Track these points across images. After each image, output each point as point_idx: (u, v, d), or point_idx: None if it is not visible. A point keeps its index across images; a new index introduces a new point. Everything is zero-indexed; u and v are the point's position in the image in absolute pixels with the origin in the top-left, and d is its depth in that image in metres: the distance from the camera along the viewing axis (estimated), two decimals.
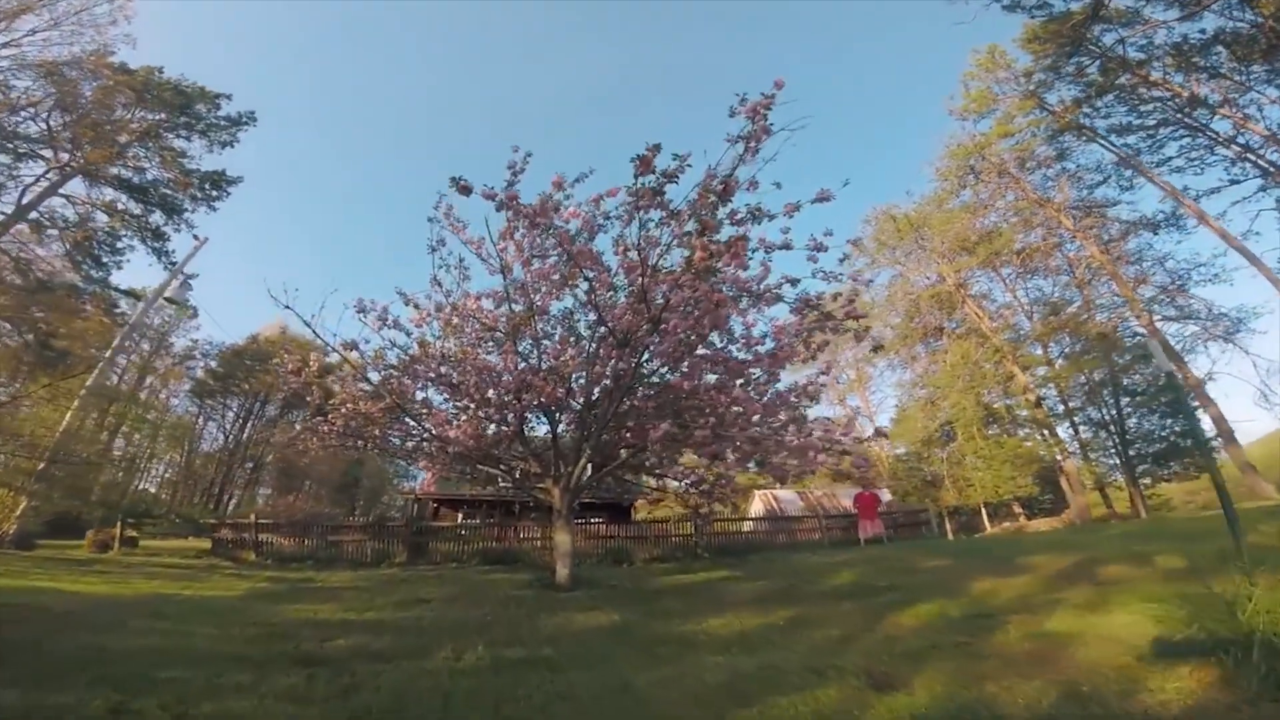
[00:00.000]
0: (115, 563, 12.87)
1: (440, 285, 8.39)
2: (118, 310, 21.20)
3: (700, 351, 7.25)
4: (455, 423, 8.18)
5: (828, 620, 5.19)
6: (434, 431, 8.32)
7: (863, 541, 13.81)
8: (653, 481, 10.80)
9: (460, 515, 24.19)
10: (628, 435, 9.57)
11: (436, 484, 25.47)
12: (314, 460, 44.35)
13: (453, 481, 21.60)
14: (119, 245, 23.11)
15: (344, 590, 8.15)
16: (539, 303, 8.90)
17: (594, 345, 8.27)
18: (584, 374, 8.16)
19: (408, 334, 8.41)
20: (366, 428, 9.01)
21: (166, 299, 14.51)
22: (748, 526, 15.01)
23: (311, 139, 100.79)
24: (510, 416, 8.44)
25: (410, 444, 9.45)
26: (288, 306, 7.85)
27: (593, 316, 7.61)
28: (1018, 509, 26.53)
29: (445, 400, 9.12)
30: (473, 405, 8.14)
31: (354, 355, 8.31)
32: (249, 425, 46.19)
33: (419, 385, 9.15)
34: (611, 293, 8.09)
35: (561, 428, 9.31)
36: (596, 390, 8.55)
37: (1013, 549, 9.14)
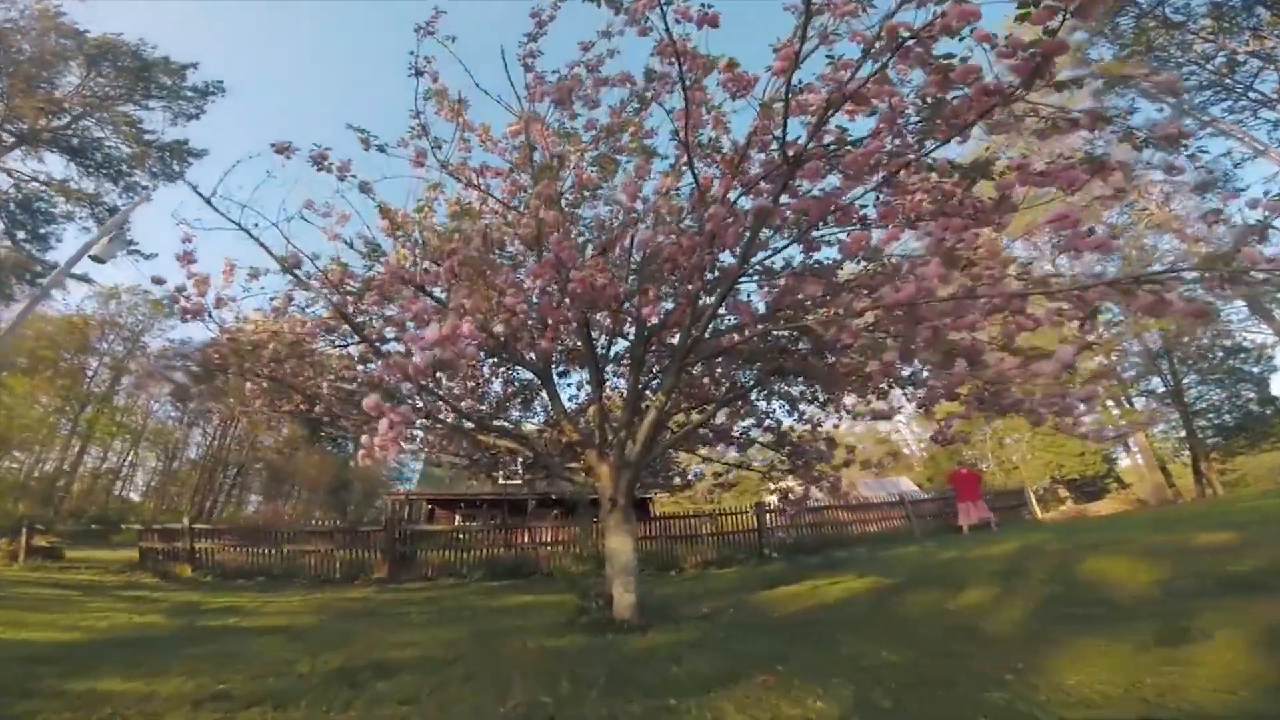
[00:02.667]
0: None
1: (426, 131, 4.96)
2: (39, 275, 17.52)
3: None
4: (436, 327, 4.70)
5: None
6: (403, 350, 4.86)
7: (964, 529, 10.55)
8: (729, 455, 7.39)
9: (458, 518, 20.68)
10: (704, 382, 6.23)
11: (422, 480, 21.89)
12: (300, 467, 40.52)
13: (444, 473, 18.13)
14: (55, 213, 19.56)
15: (263, 637, 4.67)
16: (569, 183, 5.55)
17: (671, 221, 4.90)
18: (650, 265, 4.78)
19: (365, 192, 4.95)
20: (301, 375, 5.59)
21: (92, 256, 10.86)
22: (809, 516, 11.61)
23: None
24: (531, 342, 5.04)
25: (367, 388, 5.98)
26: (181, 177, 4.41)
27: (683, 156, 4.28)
28: (1064, 492, 23.45)
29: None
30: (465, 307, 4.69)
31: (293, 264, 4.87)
32: (232, 430, 42.11)
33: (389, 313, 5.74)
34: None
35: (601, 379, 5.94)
36: (667, 304, 5.20)
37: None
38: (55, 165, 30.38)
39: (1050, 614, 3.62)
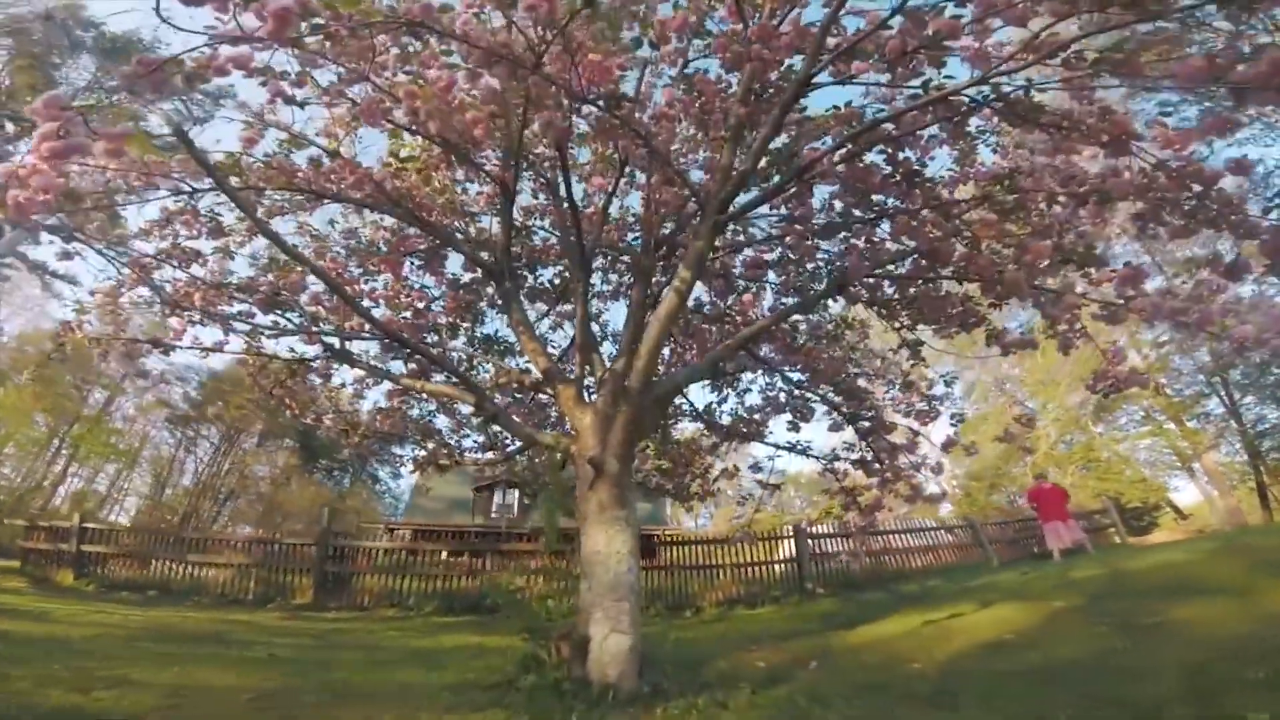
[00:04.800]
0: None
1: None
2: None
3: None
4: None
5: None
6: None
7: (1056, 555, 8.01)
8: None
9: (445, 554, 17.98)
10: (745, 300, 4.10)
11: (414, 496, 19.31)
12: (292, 497, 37.88)
13: (433, 504, 15.83)
14: None
15: None
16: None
17: None
18: None
19: None
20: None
21: (27, 227, 9.30)
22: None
23: None
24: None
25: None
26: None
27: None
28: (1107, 523, 20.46)
29: None
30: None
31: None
32: (230, 457, 39.64)
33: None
34: None
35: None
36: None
37: None
38: None
39: None
